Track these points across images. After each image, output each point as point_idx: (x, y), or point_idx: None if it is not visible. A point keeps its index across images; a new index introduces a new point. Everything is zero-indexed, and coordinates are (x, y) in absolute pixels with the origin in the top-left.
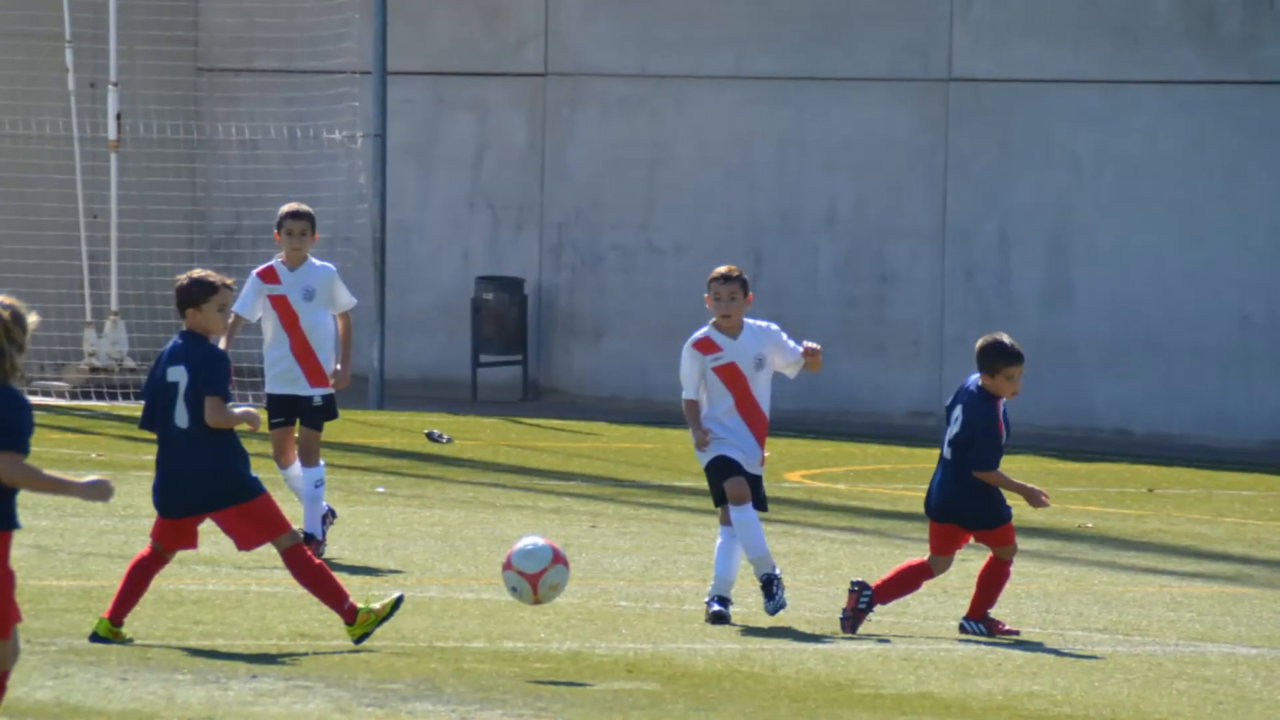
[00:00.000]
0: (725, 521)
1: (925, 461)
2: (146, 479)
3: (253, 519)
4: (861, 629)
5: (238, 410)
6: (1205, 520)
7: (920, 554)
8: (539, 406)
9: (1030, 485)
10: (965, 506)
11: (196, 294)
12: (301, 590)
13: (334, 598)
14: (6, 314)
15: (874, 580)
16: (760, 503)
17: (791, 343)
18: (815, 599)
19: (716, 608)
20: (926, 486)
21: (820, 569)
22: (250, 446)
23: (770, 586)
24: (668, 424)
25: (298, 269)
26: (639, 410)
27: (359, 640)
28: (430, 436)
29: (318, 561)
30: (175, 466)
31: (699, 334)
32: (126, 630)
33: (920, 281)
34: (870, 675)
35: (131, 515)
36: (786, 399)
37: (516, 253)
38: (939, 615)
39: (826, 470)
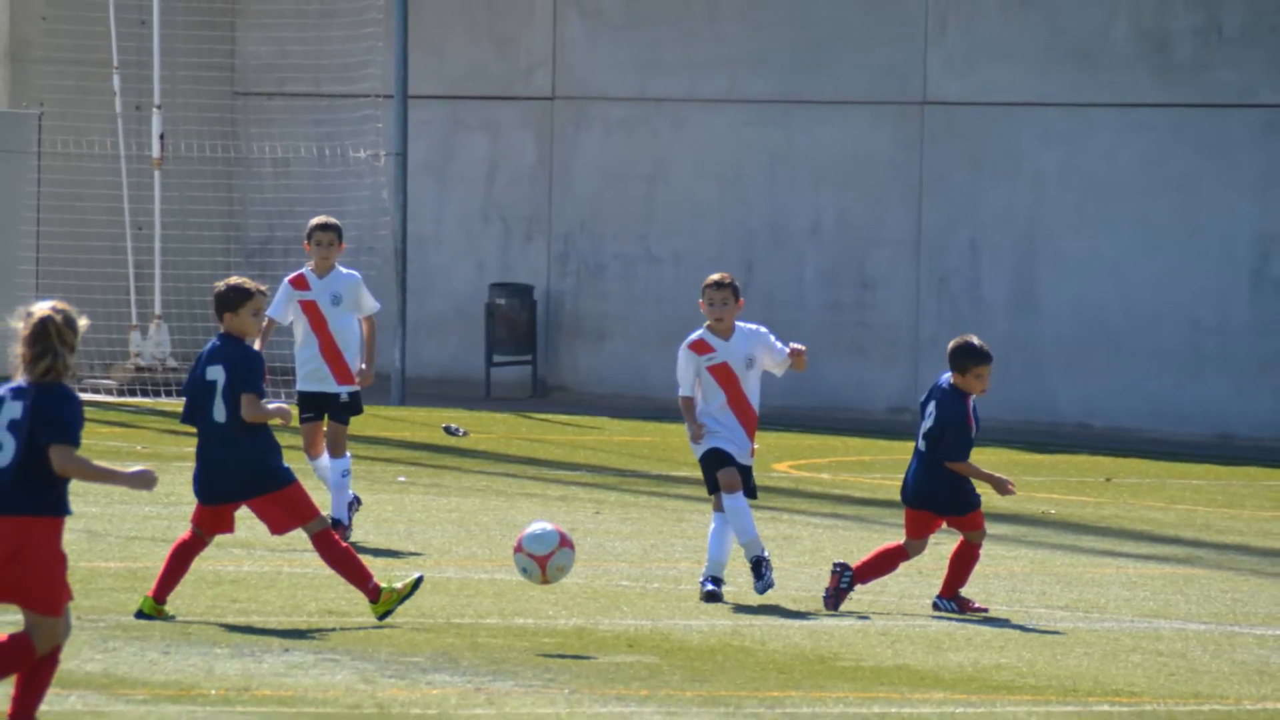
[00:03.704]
0: (718, 508)
1: (902, 453)
2: (187, 469)
3: (285, 506)
4: (843, 607)
5: (271, 406)
6: (1159, 507)
7: (897, 538)
8: (547, 403)
9: (998, 475)
10: (938, 494)
11: (233, 299)
12: (329, 571)
13: (359, 578)
14: (59, 318)
15: (854, 562)
16: (750, 491)
17: (779, 344)
18: (800, 579)
19: (710, 587)
20: (903, 476)
21: (805, 552)
22: (282, 439)
23: (759, 568)
24: (665, 419)
25: (326, 276)
26: (639, 406)
27: (382, 617)
28: (447, 430)
29: (344, 545)
30: (214, 458)
31: (694, 336)
32: (169, 608)
33: (898, 288)
34: (851, 649)
35: (174, 503)
36: (775, 396)
37: (526, 261)
38: (914, 594)
39: (811, 461)
